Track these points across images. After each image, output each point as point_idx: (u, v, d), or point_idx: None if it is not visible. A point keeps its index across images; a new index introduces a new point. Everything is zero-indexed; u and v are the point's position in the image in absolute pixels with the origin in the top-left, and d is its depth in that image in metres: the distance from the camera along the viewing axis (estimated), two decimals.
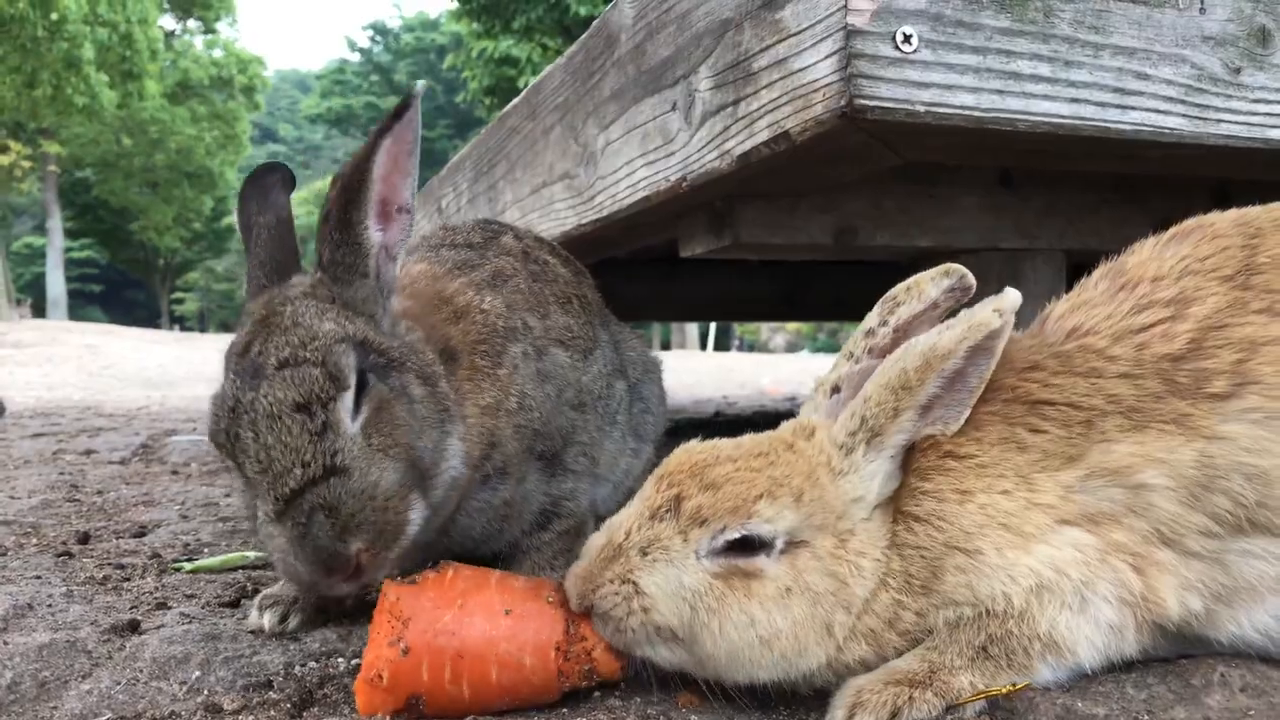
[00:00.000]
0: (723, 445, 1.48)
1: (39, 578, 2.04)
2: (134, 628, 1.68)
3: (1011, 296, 1.39)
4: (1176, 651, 1.51)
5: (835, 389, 1.55)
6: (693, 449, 1.49)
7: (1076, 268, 2.41)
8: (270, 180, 1.85)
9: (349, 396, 1.50)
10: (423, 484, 1.55)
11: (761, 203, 2.52)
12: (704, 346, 39.03)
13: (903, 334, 1.52)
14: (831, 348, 51.21)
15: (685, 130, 2.36)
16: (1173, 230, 1.61)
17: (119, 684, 1.45)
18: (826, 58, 1.82)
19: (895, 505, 1.44)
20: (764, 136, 2.01)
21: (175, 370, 16.10)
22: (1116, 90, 1.95)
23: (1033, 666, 1.39)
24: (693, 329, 36.49)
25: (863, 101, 1.78)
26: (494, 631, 1.41)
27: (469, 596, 1.45)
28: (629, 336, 2.50)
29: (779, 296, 5.06)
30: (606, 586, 1.40)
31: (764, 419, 6.41)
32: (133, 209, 48.00)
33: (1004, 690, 1.35)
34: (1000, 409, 1.46)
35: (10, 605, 1.75)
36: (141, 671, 1.49)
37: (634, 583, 1.38)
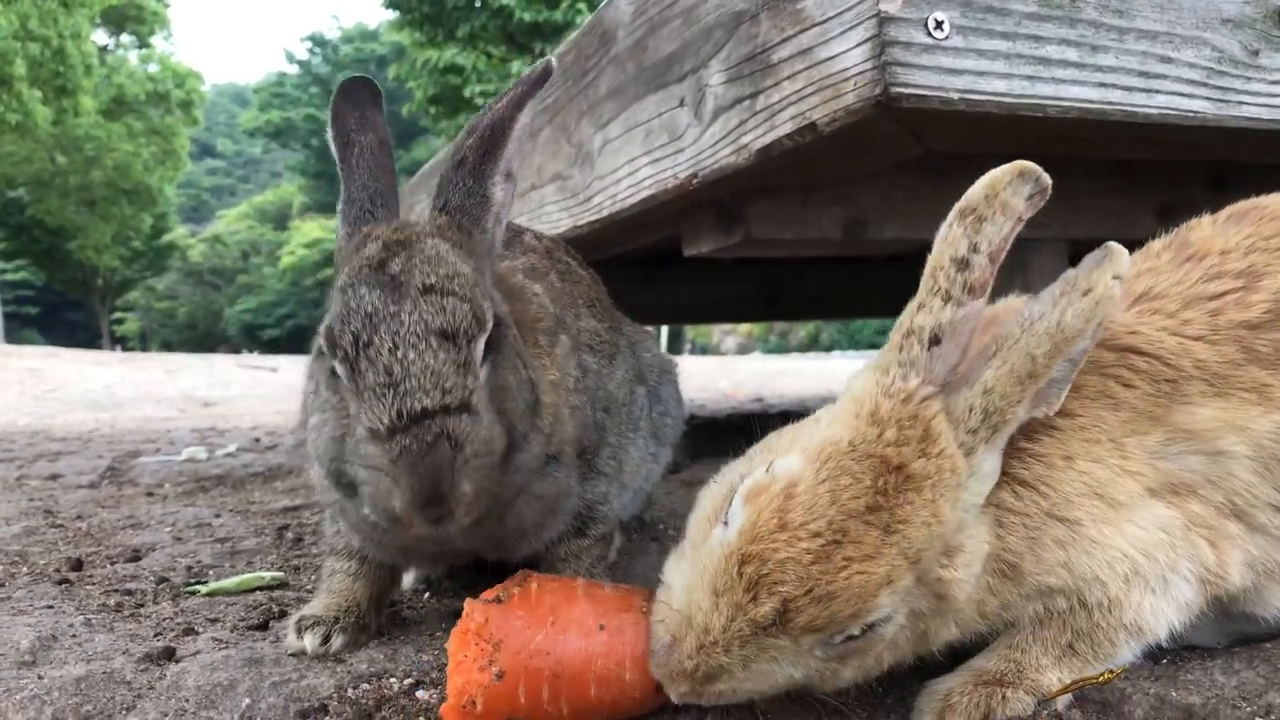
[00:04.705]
0: (819, 497, 1.22)
1: (50, 607, 1.94)
2: (169, 655, 1.60)
3: (1124, 257, 1.29)
4: (1218, 625, 1.49)
5: (935, 339, 1.30)
6: (783, 510, 1.22)
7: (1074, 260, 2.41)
8: (364, 95, 1.77)
9: (483, 342, 1.43)
10: (506, 464, 1.46)
11: (772, 197, 2.48)
12: None
13: (996, 260, 1.32)
14: (782, 349, 51.49)
15: (695, 126, 2.31)
16: (1228, 211, 1.60)
17: (166, 715, 1.36)
18: (858, 45, 1.78)
19: (1001, 465, 1.33)
20: (787, 129, 1.97)
21: (122, 391, 15.73)
22: (1142, 74, 1.95)
23: (1117, 655, 1.36)
24: None
25: (898, 89, 1.75)
26: (590, 648, 1.35)
27: (559, 612, 1.38)
28: (644, 338, 2.45)
29: (760, 298, 5.04)
30: (711, 697, 1.27)
31: (740, 421, 6.39)
32: (70, 228, 46.83)
33: (1098, 679, 1.32)
34: (1091, 354, 1.38)
35: (35, 636, 1.65)
36: (188, 701, 1.40)
37: (745, 690, 1.27)
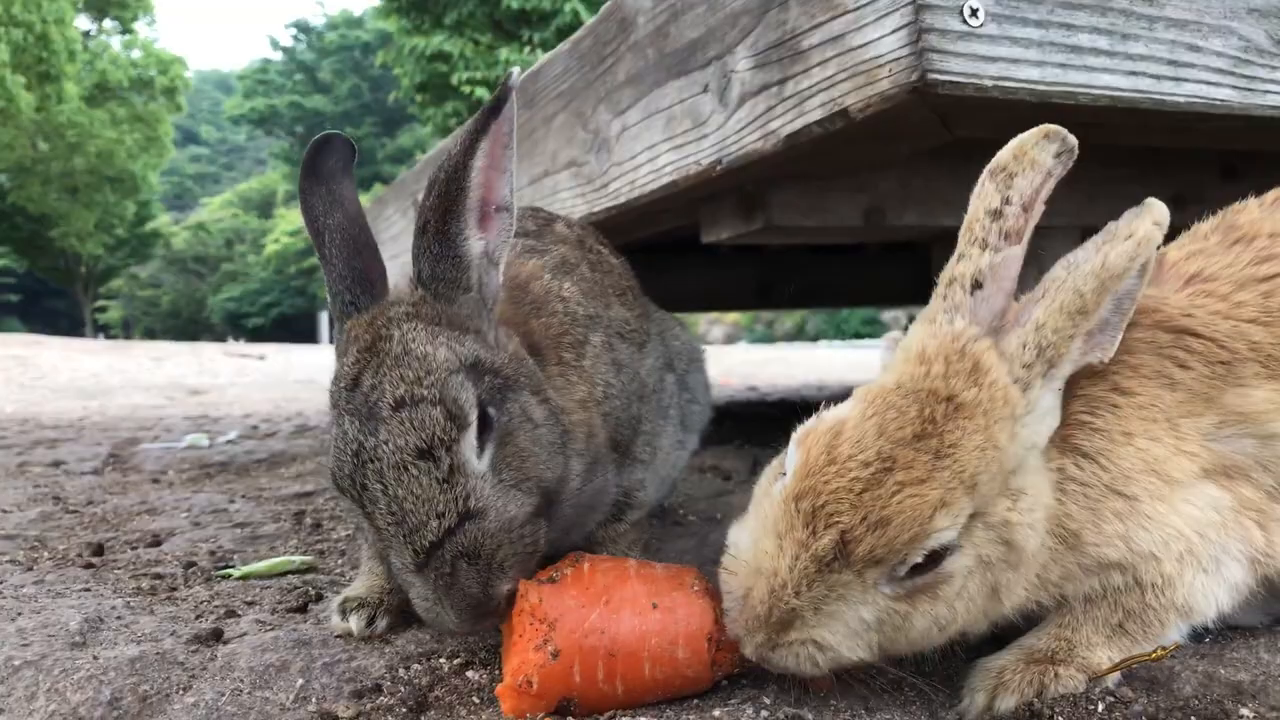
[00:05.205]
0: (866, 430, 1.27)
1: (87, 589, 1.94)
2: (218, 636, 1.61)
3: (1162, 207, 1.33)
4: (1263, 605, 1.52)
5: (976, 284, 1.34)
6: (831, 446, 1.27)
7: None
8: (330, 164, 1.66)
9: (471, 433, 1.41)
10: (550, 508, 1.51)
11: (795, 184, 2.49)
12: None
13: (1030, 210, 1.37)
14: (769, 338, 51.55)
15: (720, 112, 2.32)
16: (1274, 194, 1.62)
17: (223, 695, 1.38)
18: (893, 32, 1.80)
19: (1062, 436, 1.37)
20: (817, 115, 1.99)
21: (109, 379, 15.63)
22: (1170, 62, 1.97)
23: (1166, 635, 1.39)
24: None
25: (935, 76, 1.76)
26: (644, 627, 1.37)
27: (613, 591, 1.40)
28: (672, 325, 2.46)
29: (758, 287, 5.06)
30: (785, 649, 1.28)
31: (739, 409, 6.42)
32: (52, 215, 46.35)
33: (1150, 657, 1.34)
34: (1147, 335, 1.42)
35: (81, 619, 1.66)
36: (243, 681, 1.42)
37: (816, 642, 1.27)
